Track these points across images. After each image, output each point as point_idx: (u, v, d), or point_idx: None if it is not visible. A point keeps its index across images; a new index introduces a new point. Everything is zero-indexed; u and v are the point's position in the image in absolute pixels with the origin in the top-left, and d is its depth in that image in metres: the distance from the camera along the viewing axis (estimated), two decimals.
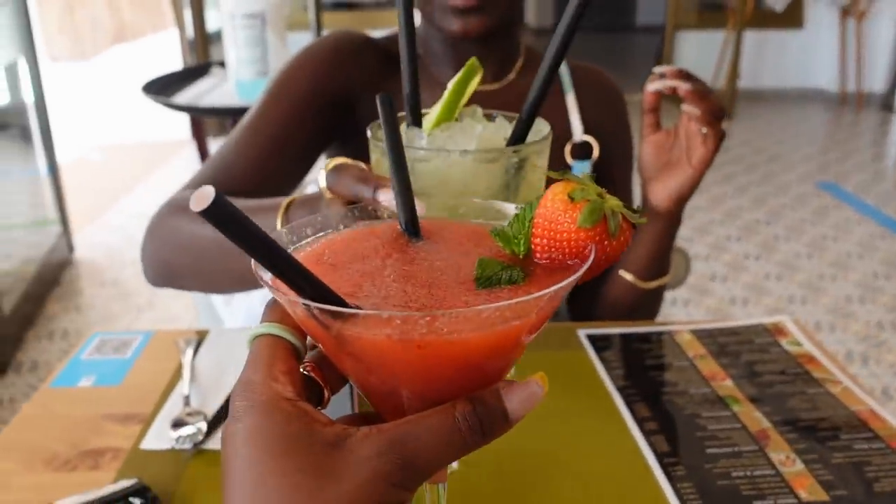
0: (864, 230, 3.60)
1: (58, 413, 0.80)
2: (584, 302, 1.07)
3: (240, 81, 2.16)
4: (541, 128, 0.60)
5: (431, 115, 0.61)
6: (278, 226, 0.68)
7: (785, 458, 0.71)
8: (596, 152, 1.00)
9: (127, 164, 4.67)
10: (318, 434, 0.33)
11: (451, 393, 0.36)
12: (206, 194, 0.29)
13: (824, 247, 3.42)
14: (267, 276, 0.35)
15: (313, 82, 0.93)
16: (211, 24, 4.10)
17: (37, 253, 3.01)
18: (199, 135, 3.15)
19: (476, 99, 0.66)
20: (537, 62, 0.93)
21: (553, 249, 0.38)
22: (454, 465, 0.69)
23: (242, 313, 1.18)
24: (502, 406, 0.35)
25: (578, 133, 1.01)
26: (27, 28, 3.04)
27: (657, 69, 0.84)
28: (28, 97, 3.11)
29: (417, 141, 0.59)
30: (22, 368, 2.46)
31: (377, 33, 1.02)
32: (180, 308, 2.85)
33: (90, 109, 5.91)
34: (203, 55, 3.95)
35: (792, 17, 6.22)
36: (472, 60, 0.61)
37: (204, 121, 3.22)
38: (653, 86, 0.85)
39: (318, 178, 0.61)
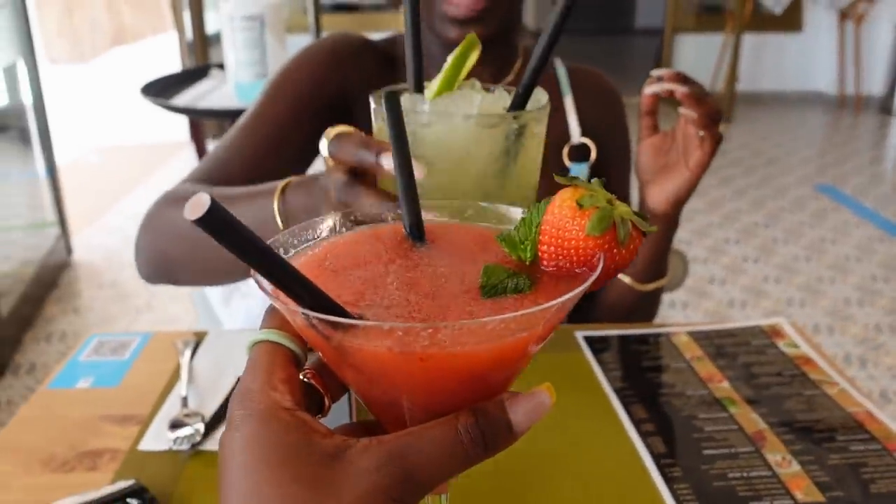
0: (862, 233, 3.60)
1: (56, 414, 0.80)
2: (582, 304, 1.07)
3: (239, 83, 2.16)
4: (539, 97, 0.61)
5: (431, 87, 0.62)
6: (275, 208, 0.67)
7: (781, 460, 0.71)
8: (594, 154, 1.01)
9: (125, 166, 4.67)
10: (317, 445, 0.32)
11: (454, 404, 0.35)
12: (202, 202, 0.28)
13: (823, 249, 3.42)
14: (266, 283, 0.34)
15: (311, 84, 0.93)
16: (210, 27, 4.10)
17: (35, 255, 3.01)
18: (198, 137, 3.15)
19: None
20: None
21: (560, 257, 0.37)
22: None
23: (241, 315, 1.19)
24: (506, 418, 0.34)
25: (576, 135, 1.01)
26: (26, 30, 3.04)
27: (655, 72, 0.84)
28: (27, 99, 3.12)
29: (420, 107, 0.60)
30: (20, 370, 2.46)
31: (376, 36, 1.03)
32: (179, 310, 2.85)
33: (89, 111, 5.91)
34: (202, 57, 3.95)
35: (791, 21, 6.23)
36: (471, 36, 0.61)
37: (203, 123, 3.22)
38: (650, 89, 0.85)
39: (319, 146, 0.61)
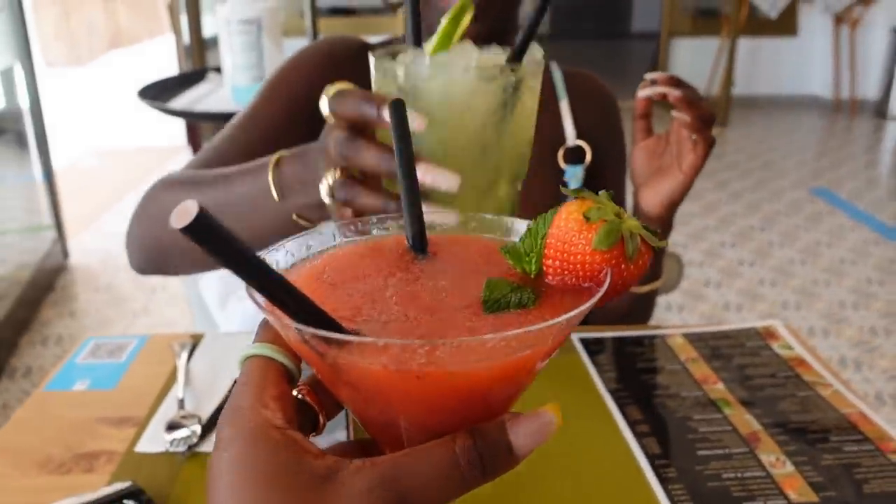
0: (857, 236, 3.61)
1: (52, 416, 0.80)
2: None
3: (236, 87, 2.16)
4: (535, 53, 0.63)
5: (427, 47, 0.63)
6: (270, 180, 0.68)
7: (775, 460, 0.72)
8: (589, 157, 1.01)
9: (122, 169, 4.67)
10: (307, 466, 0.31)
11: (454, 424, 0.33)
12: (189, 209, 0.27)
13: (818, 253, 3.43)
14: (258, 296, 0.33)
15: (306, 86, 0.94)
16: (207, 30, 4.10)
17: (31, 258, 3.01)
18: (195, 140, 3.15)
19: None
20: None
21: (566, 272, 0.36)
22: None
23: (238, 317, 1.19)
24: (506, 440, 0.33)
25: (572, 138, 1.02)
26: (23, 33, 3.05)
27: (648, 76, 0.84)
28: (24, 102, 3.12)
29: (421, 60, 0.61)
30: (16, 374, 2.45)
31: (373, 39, 1.03)
32: (175, 313, 2.84)
33: (86, 115, 5.91)
34: (199, 61, 3.95)
35: (786, 25, 6.26)
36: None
37: (199, 126, 3.22)
38: (644, 92, 0.85)
39: (320, 105, 0.61)
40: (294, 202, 0.67)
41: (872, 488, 0.68)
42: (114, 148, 5.11)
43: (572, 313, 0.32)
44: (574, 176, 1.00)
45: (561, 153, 1.01)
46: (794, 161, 4.93)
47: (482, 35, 0.90)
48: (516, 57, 0.61)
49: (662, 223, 0.92)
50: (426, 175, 0.56)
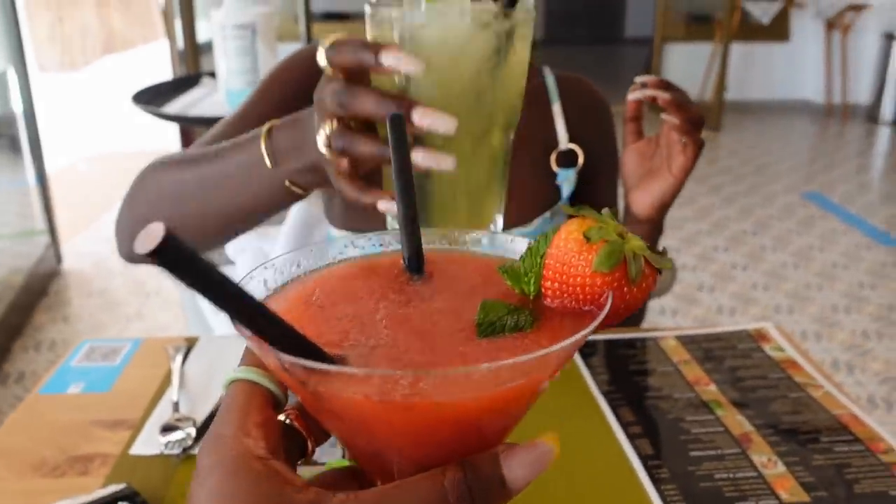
0: (849, 240, 3.63)
1: (47, 419, 0.80)
2: None
3: (230, 91, 2.17)
4: (526, 2, 0.64)
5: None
6: (262, 148, 0.68)
7: (767, 461, 0.72)
8: (581, 160, 1.02)
9: (116, 174, 4.65)
10: (288, 498, 0.29)
11: (445, 456, 0.31)
12: (155, 232, 0.25)
13: (810, 257, 3.45)
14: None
15: (297, 88, 0.93)
16: (201, 35, 4.10)
17: (24, 263, 3.00)
18: (189, 145, 3.15)
19: None
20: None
21: (565, 295, 0.34)
22: None
23: None
24: (499, 474, 0.31)
25: (564, 141, 1.02)
26: (17, 38, 3.04)
27: (639, 79, 0.85)
28: (17, 107, 3.11)
29: (417, 6, 0.62)
30: (8, 380, 2.44)
31: None
32: (169, 318, 2.84)
33: (79, 119, 5.90)
34: (193, 65, 3.95)
35: (778, 30, 6.30)
36: None
37: (193, 131, 3.22)
38: (634, 95, 0.86)
39: (317, 57, 0.62)
40: (287, 168, 0.68)
41: (863, 488, 0.69)
42: (107, 153, 5.10)
43: (568, 341, 0.30)
44: (566, 179, 1.00)
45: (553, 156, 1.02)
46: (787, 166, 4.95)
47: None
48: (508, 4, 0.63)
49: (653, 225, 0.93)
50: (423, 118, 0.57)
